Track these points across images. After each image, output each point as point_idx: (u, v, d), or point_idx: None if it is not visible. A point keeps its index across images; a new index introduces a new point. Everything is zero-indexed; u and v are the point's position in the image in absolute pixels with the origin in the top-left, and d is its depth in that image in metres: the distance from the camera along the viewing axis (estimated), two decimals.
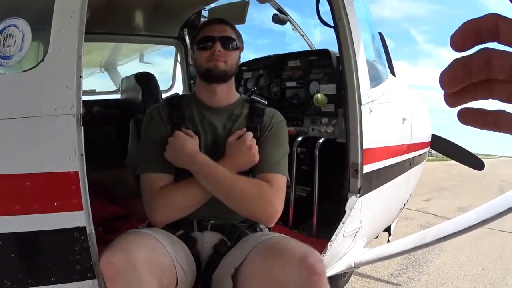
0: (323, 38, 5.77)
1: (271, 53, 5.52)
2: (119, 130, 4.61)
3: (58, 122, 1.91)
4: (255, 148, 2.58)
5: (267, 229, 2.79)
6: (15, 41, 1.94)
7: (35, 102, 1.90)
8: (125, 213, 4.13)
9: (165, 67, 6.56)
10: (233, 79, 2.87)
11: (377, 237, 5.25)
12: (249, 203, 2.51)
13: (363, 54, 3.72)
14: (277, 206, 2.56)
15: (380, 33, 5.60)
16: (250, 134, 2.61)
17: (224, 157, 2.57)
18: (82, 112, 1.95)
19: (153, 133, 2.70)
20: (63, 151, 1.92)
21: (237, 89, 5.42)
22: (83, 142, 1.95)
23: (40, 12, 2.19)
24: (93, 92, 6.05)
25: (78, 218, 1.95)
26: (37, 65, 1.92)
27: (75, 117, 1.92)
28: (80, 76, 1.95)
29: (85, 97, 5.31)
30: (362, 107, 3.60)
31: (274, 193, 2.55)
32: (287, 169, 2.75)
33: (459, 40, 0.58)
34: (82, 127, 1.95)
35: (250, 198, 2.49)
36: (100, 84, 6.84)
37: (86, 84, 6.62)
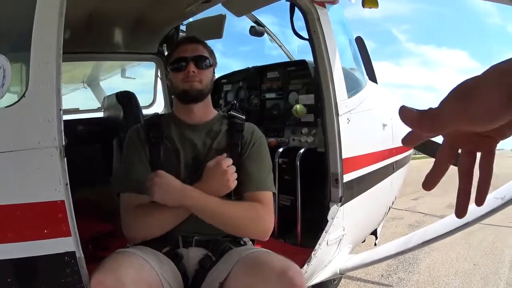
0: (302, 45, 5.81)
1: (253, 61, 5.56)
2: (104, 147, 4.64)
3: (42, 155, 1.98)
4: (231, 175, 2.58)
5: (250, 242, 2.87)
6: None
7: (19, 136, 1.96)
8: (114, 230, 4.18)
9: (148, 78, 6.57)
10: (209, 96, 2.90)
11: (364, 241, 5.30)
12: (245, 227, 2.60)
13: (339, 64, 3.77)
14: (270, 224, 2.67)
15: (359, 38, 5.65)
16: (228, 161, 2.61)
17: (200, 181, 2.59)
18: (64, 143, 2.01)
19: (131, 155, 2.76)
20: (48, 182, 1.99)
21: (217, 102, 5.47)
22: (67, 172, 2.01)
23: (18, 47, 2.24)
24: (76, 110, 6.04)
25: (67, 243, 2.03)
26: (18, 100, 1.98)
27: (58, 149, 1.99)
28: (60, 109, 2.01)
29: (69, 117, 5.36)
30: (339, 117, 3.66)
31: (266, 212, 2.64)
32: (273, 183, 2.83)
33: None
34: (65, 158, 2.01)
35: (246, 223, 2.58)
36: (84, 98, 6.86)
37: (71, 99, 6.65)
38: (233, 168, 2.60)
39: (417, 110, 0.77)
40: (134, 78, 6.69)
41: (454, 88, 0.74)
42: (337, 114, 3.64)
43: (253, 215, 2.58)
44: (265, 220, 2.63)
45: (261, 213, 2.61)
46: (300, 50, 5.95)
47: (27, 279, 2.05)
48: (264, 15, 5.68)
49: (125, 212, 2.63)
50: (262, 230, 2.63)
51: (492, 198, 3.28)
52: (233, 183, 2.57)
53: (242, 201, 2.69)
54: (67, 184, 2.01)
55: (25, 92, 1.98)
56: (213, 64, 2.87)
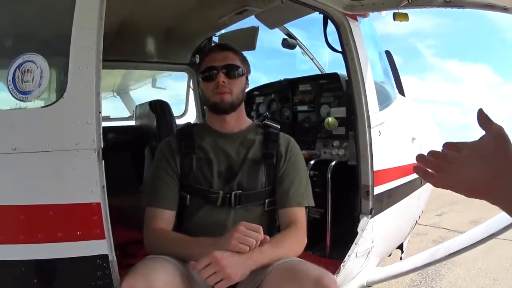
0: (332, 58, 5.78)
1: (282, 75, 5.54)
2: (135, 156, 4.65)
3: (80, 156, 2.00)
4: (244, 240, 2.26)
5: None
6: (33, 77, 2.02)
7: (56, 137, 1.99)
8: (141, 238, 4.17)
9: (178, 91, 6.59)
10: (242, 105, 2.85)
11: (390, 255, 5.26)
12: (287, 255, 2.48)
13: (371, 77, 3.78)
14: (305, 242, 2.69)
15: (388, 52, 5.61)
16: (256, 228, 2.32)
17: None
18: (102, 146, 2.04)
19: (158, 170, 2.74)
20: (85, 184, 2.01)
21: (249, 114, 5.44)
22: (104, 174, 2.03)
23: (57, 48, 2.26)
24: (107, 118, 6.05)
25: (101, 246, 2.05)
26: (56, 101, 2.01)
27: (96, 151, 2.01)
28: (100, 112, 2.04)
29: None
30: (371, 130, 3.66)
31: (302, 233, 2.68)
32: (311, 193, 2.84)
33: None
34: (103, 161, 2.02)
35: (289, 253, 2.51)
36: (113, 108, 6.89)
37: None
38: (256, 237, 2.30)
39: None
40: (164, 89, 6.72)
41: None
42: (369, 127, 3.66)
43: (295, 244, 2.59)
44: (302, 242, 2.67)
45: (301, 237, 2.65)
46: (331, 64, 5.93)
47: (56, 280, 2.07)
48: (293, 30, 5.66)
49: (146, 226, 2.65)
50: (298, 251, 2.62)
51: None
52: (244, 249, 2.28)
53: (278, 213, 2.76)
54: (103, 186, 2.03)
55: (63, 94, 2.01)
56: (246, 73, 2.83)
